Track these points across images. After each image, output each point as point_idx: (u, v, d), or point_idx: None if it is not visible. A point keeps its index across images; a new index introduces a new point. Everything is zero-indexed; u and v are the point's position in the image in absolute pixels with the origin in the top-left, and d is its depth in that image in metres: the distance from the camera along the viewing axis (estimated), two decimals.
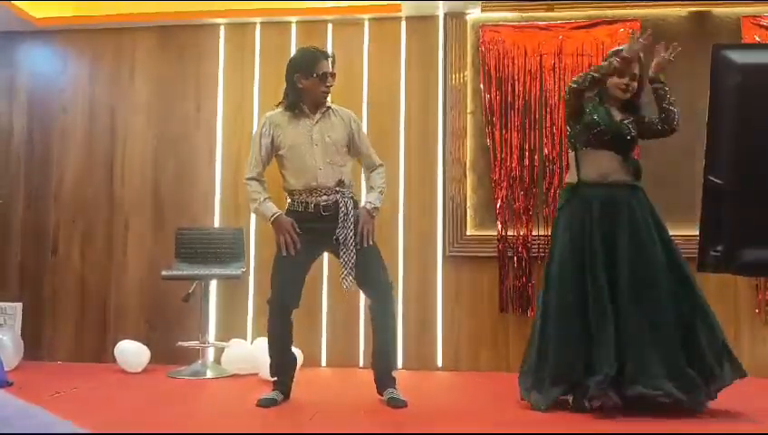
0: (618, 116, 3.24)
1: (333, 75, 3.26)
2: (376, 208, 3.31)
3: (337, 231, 3.17)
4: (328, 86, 3.23)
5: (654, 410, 2.88)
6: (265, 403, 3.16)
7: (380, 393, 3.28)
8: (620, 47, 3.24)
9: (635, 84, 3.24)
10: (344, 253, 3.16)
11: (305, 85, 3.22)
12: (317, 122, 3.27)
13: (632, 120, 3.26)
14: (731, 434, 2.72)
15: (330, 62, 3.25)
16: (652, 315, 2.97)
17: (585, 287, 3.03)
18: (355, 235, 3.18)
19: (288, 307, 3.25)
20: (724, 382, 3.00)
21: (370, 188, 3.39)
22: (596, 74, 3.13)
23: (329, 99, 3.36)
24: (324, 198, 3.21)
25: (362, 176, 3.58)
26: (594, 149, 3.19)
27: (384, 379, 3.29)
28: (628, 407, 2.90)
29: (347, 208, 3.20)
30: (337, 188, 3.22)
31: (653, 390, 2.86)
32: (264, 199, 3.25)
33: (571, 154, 3.29)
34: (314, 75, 3.20)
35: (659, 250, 3.09)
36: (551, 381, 3.00)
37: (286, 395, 3.29)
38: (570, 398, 3.02)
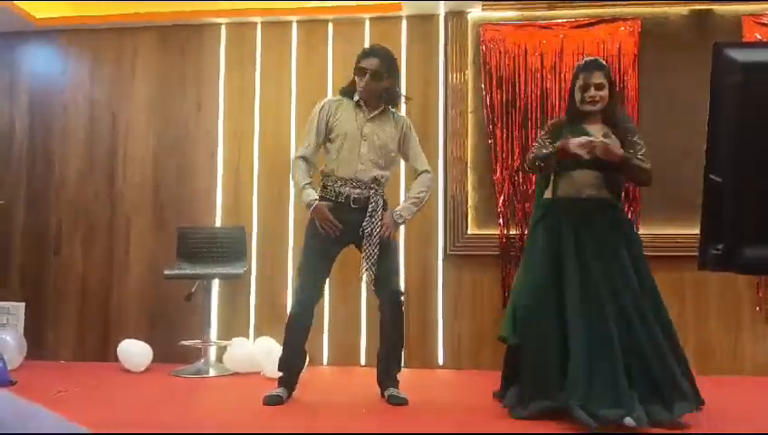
0: (599, 133, 3.10)
1: (372, 73, 3.25)
2: (402, 218, 3.35)
3: (363, 223, 3.20)
4: (364, 81, 3.26)
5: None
6: (272, 401, 3.17)
7: (382, 393, 3.30)
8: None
9: (602, 93, 3.09)
10: (367, 247, 3.20)
11: (356, 79, 3.31)
12: (371, 119, 3.31)
13: (613, 137, 3.08)
14: (731, 434, 2.72)
15: (370, 59, 3.27)
16: (597, 337, 2.85)
17: (561, 301, 2.96)
18: (380, 232, 3.23)
19: (315, 297, 3.30)
20: (667, 416, 2.76)
21: (407, 197, 3.44)
22: (538, 155, 3.13)
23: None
24: (357, 191, 3.25)
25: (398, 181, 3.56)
26: (572, 169, 3.10)
27: (385, 380, 3.32)
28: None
29: (377, 204, 3.25)
30: (372, 185, 3.27)
31: (590, 416, 2.67)
32: (306, 184, 3.29)
33: (538, 176, 3.29)
34: (358, 71, 3.28)
35: (618, 271, 2.97)
36: (529, 398, 2.92)
37: (291, 392, 3.30)
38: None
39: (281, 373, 3.33)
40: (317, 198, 3.25)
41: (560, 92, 4.44)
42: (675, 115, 4.36)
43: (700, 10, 4.47)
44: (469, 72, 4.60)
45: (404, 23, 4.71)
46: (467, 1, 4.56)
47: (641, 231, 4.30)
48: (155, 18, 4.81)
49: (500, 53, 4.55)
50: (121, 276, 4.77)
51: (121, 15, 4.79)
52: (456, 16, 4.64)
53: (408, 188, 3.53)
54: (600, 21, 4.51)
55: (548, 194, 3.22)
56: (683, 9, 4.49)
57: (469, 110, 4.58)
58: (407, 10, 4.63)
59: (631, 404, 2.69)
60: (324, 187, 3.31)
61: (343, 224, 3.21)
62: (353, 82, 3.33)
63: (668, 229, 4.28)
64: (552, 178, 3.21)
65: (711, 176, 1.38)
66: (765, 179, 1.36)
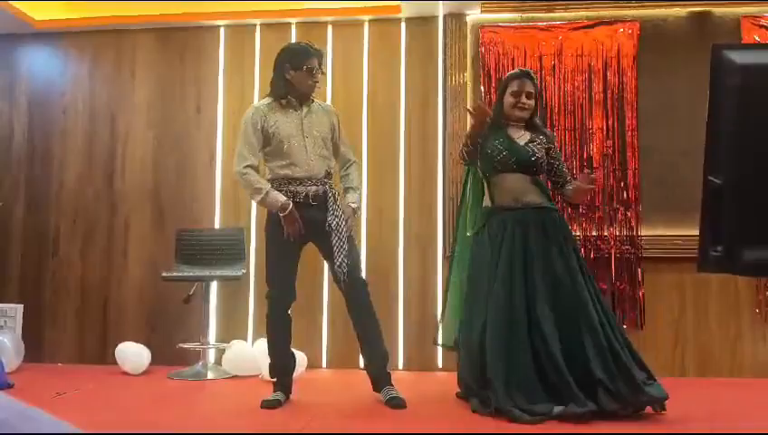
0: (523, 138, 3.24)
1: (323, 73, 3.30)
2: (357, 207, 3.38)
3: (329, 219, 3.18)
4: (315, 81, 3.26)
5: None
6: (270, 404, 3.17)
7: (377, 391, 3.27)
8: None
9: (531, 102, 3.25)
10: (337, 240, 3.17)
11: (293, 77, 3.23)
12: (306, 115, 3.29)
13: (538, 142, 3.24)
14: (731, 434, 2.71)
15: (318, 59, 3.28)
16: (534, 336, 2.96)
17: (510, 302, 3.02)
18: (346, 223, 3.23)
19: (287, 300, 3.28)
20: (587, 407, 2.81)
21: (349, 188, 3.40)
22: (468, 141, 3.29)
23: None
24: (314, 188, 3.22)
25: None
26: (503, 173, 3.21)
27: (380, 377, 3.28)
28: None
29: (335, 198, 3.25)
30: (325, 180, 3.27)
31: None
32: (270, 188, 3.20)
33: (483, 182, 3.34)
34: (303, 68, 3.22)
35: (563, 273, 3.04)
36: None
37: (287, 395, 3.30)
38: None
39: (274, 379, 3.33)
40: (289, 200, 3.18)
41: (559, 94, 4.44)
42: (674, 117, 4.36)
43: (699, 12, 4.48)
44: (468, 74, 4.61)
45: (403, 24, 4.71)
46: (467, 2, 4.56)
47: (641, 233, 4.31)
48: (154, 20, 4.81)
49: (499, 54, 4.56)
50: (120, 278, 4.77)
51: (121, 17, 4.79)
52: (455, 18, 4.64)
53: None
54: (599, 23, 4.52)
55: (487, 203, 3.30)
56: (682, 11, 4.49)
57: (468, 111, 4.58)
58: (406, 12, 4.63)
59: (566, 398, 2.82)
60: (278, 192, 3.21)
61: (305, 222, 3.17)
62: (275, 84, 3.28)
63: (668, 231, 4.28)
64: (487, 185, 3.29)
65: (710, 177, 1.38)
66: (765, 181, 1.36)
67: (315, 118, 3.31)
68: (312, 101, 3.34)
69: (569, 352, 2.91)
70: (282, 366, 3.34)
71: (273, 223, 3.24)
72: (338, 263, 3.17)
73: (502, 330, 2.98)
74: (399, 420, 2.95)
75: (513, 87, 3.25)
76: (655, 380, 2.94)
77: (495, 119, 3.27)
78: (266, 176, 3.30)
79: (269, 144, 3.24)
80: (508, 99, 3.26)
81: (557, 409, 2.82)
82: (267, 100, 3.31)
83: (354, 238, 3.37)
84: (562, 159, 3.30)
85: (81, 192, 4.87)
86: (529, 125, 3.31)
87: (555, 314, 2.98)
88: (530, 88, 3.25)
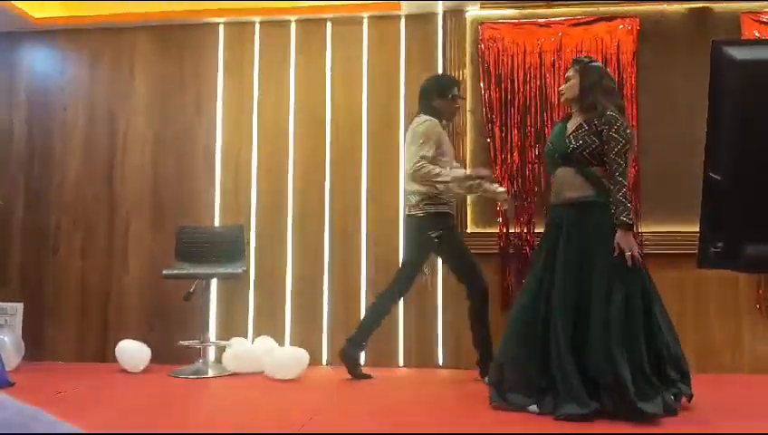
0: (571, 128, 3.13)
1: (462, 98, 4.05)
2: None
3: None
4: (457, 107, 4.00)
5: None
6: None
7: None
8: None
9: (565, 85, 3.20)
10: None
11: (440, 105, 3.86)
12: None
13: (585, 129, 3.05)
14: (731, 434, 2.71)
15: (458, 87, 4.03)
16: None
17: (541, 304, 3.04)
18: None
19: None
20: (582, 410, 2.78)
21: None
22: None
23: None
24: (453, 202, 3.97)
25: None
26: (555, 168, 3.18)
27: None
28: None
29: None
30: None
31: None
32: (452, 168, 3.83)
33: None
34: (449, 97, 3.88)
35: (577, 276, 2.98)
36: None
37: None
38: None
39: None
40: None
41: (559, 91, 4.44)
42: (674, 113, 4.35)
43: (699, 8, 4.47)
44: (468, 71, 4.60)
45: (402, 22, 4.70)
46: (466, 0, 4.55)
47: (641, 229, 4.31)
48: (153, 18, 4.81)
49: (498, 51, 4.55)
50: (120, 276, 4.77)
51: (120, 15, 4.78)
52: (455, 15, 4.63)
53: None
54: (599, 19, 4.51)
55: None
56: (681, 7, 4.49)
57: (468, 108, 4.57)
58: (405, 9, 4.62)
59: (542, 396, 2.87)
60: (437, 204, 3.78)
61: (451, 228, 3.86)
62: (430, 108, 3.84)
63: (668, 227, 4.28)
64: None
65: (710, 174, 1.38)
66: (764, 177, 1.36)
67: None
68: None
69: (577, 349, 2.88)
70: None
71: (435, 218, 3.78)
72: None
73: (521, 328, 3.02)
74: (400, 420, 2.95)
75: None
76: (683, 382, 2.93)
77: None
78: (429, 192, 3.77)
79: (439, 158, 3.78)
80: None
81: (533, 407, 2.88)
82: (434, 119, 3.80)
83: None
84: (618, 143, 2.96)
85: (81, 190, 4.86)
86: (584, 108, 3.11)
87: (567, 311, 2.93)
88: (569, 73, 3.22)
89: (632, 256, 2.91)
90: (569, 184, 3.08)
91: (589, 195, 3.03)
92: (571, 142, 3.07)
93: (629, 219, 2.93)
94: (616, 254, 2.91)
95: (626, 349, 2.82)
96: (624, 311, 2.87)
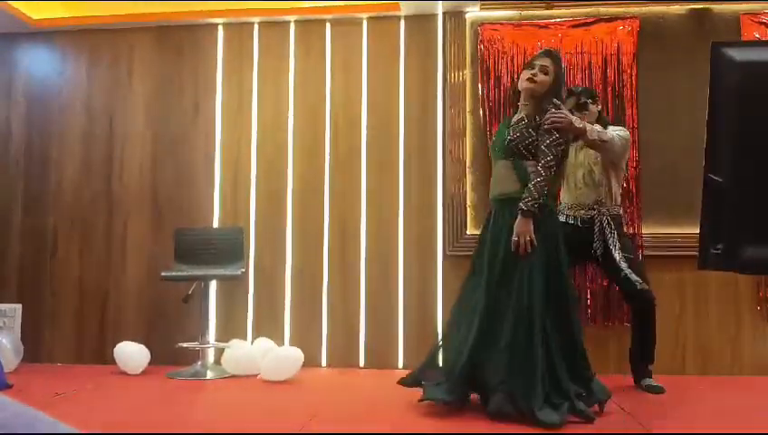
0: (514, 120, 3.13)
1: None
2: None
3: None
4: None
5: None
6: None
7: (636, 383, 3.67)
8: None
9: (542, 76, 3.04)
10: None
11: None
12: None
13: (525, 123, 3.04)
14: (731, 434, 2.71)
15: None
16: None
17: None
18: None
19: None
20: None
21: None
22: None
23: None
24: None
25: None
26: (497, 162, 3.17)
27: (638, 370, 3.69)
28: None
29: None
30: None
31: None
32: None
33: None
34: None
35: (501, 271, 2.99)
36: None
37: None
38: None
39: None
40: None
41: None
42: (674, 114, 4.35)
43: (699, 9, 4.47)
44: (468, 72, 4.60)
45: (402, 22, 4.70)
46: (466, 1, 4.55)
47: (642, 231, 4.31)
48: (152, 19, 4.80)
49: (498, 52, 4.55)
50: (119, 278, 4.76)
51: (118, 16, 4.77)
52: (455, 16, 4.63)
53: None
54: (599, 20, 4.51)
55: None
56: (681, 8, 4.48)
57: (468, 109, 4.57)
58: (405, 10, 4.62)
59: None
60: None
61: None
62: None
63: (668, 229, 4.27)
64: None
65: (710, 175, 1.38)
66: (765, 179, 1.36)
67: None
68: None
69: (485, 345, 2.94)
70: None
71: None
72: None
73: (458, 323, 3.10)
74: (400, 420, 2.95)
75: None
76: (586, 392, 2.86)
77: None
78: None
79: None
80: (524, 73, 3.13)
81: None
82: None
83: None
84: (551, 137, 2.95)
85: (80, 192, 4.86)
86: (537, 105, 3.08)
87: (486, 308, 2.97)
88: (543, 61, 3.09)
89: (521, 243, 2.91)
90: (501, 177, 3.11)
91: (516, 190, 3.02)
92: (508, 134, 3.07)
93: (530, 207, 2.92)
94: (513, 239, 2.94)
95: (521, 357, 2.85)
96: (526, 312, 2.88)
